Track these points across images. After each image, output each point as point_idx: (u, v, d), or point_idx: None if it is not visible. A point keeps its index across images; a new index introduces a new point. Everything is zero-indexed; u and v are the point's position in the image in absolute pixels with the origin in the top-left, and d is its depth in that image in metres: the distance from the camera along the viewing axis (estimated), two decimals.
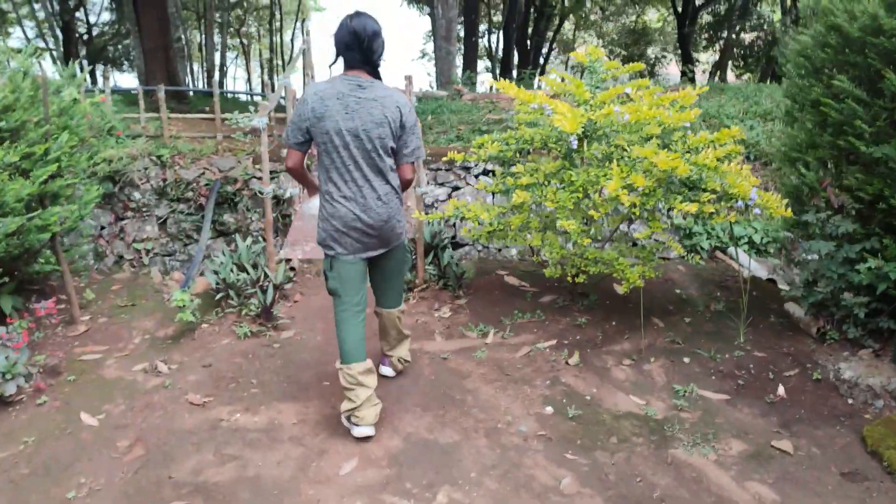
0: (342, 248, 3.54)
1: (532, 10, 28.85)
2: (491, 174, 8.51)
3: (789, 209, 4.06)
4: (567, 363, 4.29)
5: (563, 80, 4.73)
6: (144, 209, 8.11)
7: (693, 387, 3.99)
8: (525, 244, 4.81)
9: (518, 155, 4.71)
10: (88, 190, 4.78)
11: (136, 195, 8.08)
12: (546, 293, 5.22)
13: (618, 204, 4.10)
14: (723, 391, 3.99)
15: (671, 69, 33.95)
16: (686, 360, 4.31)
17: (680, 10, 26.60)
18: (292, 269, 5.34)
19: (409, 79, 6.25)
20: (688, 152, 4.25)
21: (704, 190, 4.16)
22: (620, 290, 4.47)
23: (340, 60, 3.47)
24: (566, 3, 31.00)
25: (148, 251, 8.15)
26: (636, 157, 4.27)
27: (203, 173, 8.27)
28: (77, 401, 3.95)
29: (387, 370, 4.17)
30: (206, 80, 24.63)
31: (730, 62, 25.88)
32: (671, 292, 5.24)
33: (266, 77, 38.32)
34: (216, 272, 4.95)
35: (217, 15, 29.25)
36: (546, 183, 4.38)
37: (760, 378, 4.10)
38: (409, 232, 5.98)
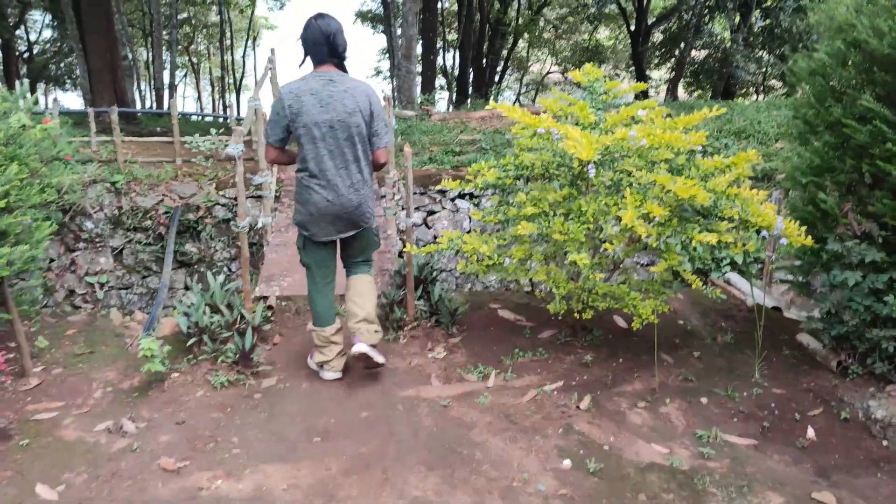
0: (315, 230, 3.93)
1: (487, 28, 28.81)
2: (468, 197, 8.20)
3: (809, 237, 3.81)
4: (578, 408, 3.95)
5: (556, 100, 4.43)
6: (98, 240, 7.57)
7: (716, 431, 3.68)
8: (527, 278, 4.48)
9: (517, 182, 4.38)
10: (39, 227, 4.27)
11: (89, 225, 7.53)
12: (545, 328, 4.89)
13: (631, 235, 3.80)
14: (748, 435, 3.70)
15: (623, 86, 34.35)
16: (703, 400, 4.02)
17: (633, 28, 26.87)
18: (270, 307, 4.90)
19: (387, 99, 5.92)
20: (702, 178, 3.97)
21: (721, 218, 3.89)
22: (633, 325, 4.16)
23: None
24: (520, 22, 31.10)
25: (102, 285, 7.59)
26: (645, 183, 3.98)
27: (162, 200, 7.78)
28: (32, 469, 3.45)
29: (362, 346, 4.05)
30: (154, 99, 23.85)
31: (681, 79, 26.18)
32: (675, 324, 4.96)
33: (217, 95, 37.54)
34: (187, 314, 4.48)
35: (165, 33, 28.51)
36: (552, 213, 4.05)
37: (786, 419, 3.82)
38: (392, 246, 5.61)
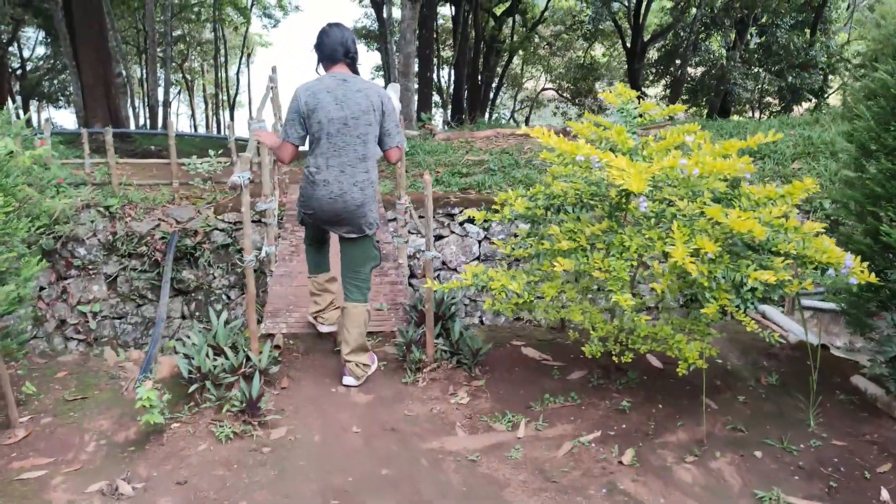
0: (316, 222, 4.13)
1: (482, 45, 28.57)
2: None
3: (873, 274, 3.44)
4: (620, 462, 3.56)
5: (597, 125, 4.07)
6: (91, 267, 7.15)
7: (777, 493, 3.30)
8: (558, 317, 4.10)
9: (547, 213, 4.00)
10: (27, 263, 3.87)
11: (81, 251, 7.12)
12: (574, 368, 4.50)
13: (680, 273, 3.43)
14: (814, 497, 3.31)
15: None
16: (757, 453, 3.63)
17: (629, 45, 26.68)
18: (276, 346, 4.49)
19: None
20: (752, 209, 3.61)
21: (775, 253, 3.53)
22: (678, 370, 3.77)
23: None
24: (515, 38, 30.90)
25: (95, 314, 7.17)
26: (690, 214, 3.62)
27: (158, 225, 7.37)
28: None
29: (349, 380, 4.22)
30: (148, 116, 23.42)
31: (679, 97, 25.98)
32: (713, 363, 4.58)
33: (211, 112, 37.18)
34: (188, 356, 4.08)
35: (159, 49, 28.15)
36: (589, 247, 3.68)
37: (853, 477, 3.44)
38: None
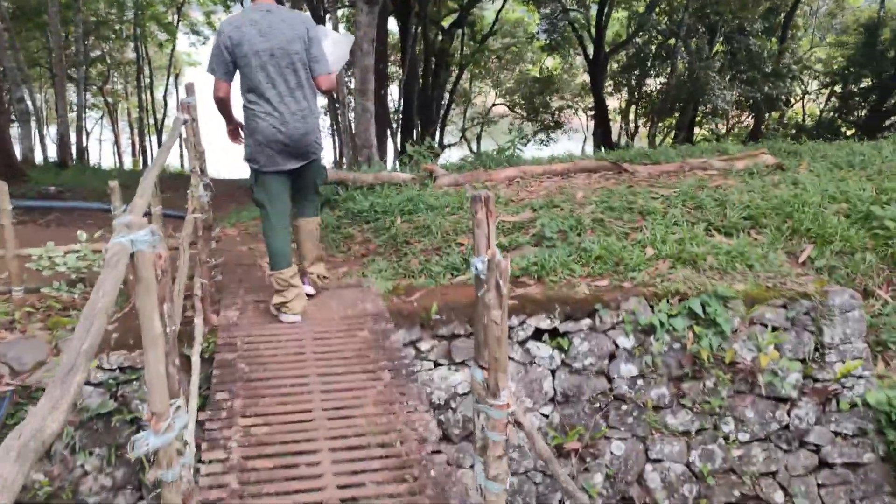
0: (264, 160, 3.91)
1: (432, 61, 25.30)
2: (548, 336, 4.50)
3: None
4: None
5: None
6: None
7: None
8: None
9: None
10: None
11: None
12: None
13: None
14: None
15: (574, 121, 30.92)
16: None
17: (591, 56, 23.81)
18: None
19: None
20: None
21: None
22: None
23: None
24: (465, 52, 27.82)
25: None
26: None
27: None
28: None
29: (308, 288, 4.23)
30: (58, 146, 19.18)
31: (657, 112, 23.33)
32: None
33: (136, 139, 32.60)
34: None
35: (73, 70, 23.96)
36: None
37: None
38: None
